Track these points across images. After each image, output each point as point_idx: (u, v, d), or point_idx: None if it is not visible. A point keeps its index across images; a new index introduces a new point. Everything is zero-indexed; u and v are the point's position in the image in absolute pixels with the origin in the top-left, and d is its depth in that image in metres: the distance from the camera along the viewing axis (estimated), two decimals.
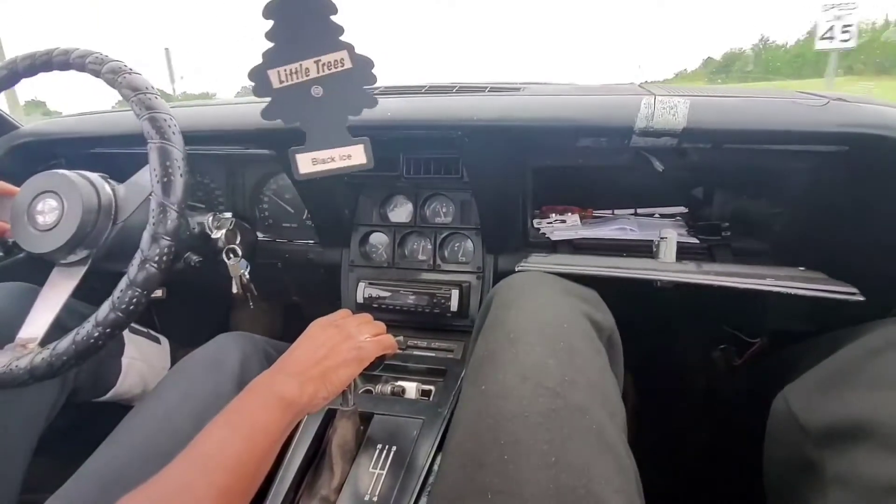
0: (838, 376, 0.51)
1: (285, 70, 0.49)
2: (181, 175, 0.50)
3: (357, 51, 0.49)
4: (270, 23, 0.47)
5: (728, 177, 0.84)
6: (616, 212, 0.99)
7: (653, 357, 1.07)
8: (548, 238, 0.89)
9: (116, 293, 0.48)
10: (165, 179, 0.49)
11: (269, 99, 0.51)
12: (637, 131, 0.63)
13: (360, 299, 0.89)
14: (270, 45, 0.48)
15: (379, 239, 0.95)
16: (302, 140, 0.53)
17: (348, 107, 0.51)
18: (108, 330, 0.47)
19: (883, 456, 0.42)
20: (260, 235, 1.01)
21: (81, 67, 0.57)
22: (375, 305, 0.88)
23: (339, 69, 0.49)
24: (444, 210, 0.92)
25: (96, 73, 0.56)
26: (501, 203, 0.81)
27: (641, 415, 1.00)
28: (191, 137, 0.57)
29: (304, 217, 0.98)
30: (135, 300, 0.47)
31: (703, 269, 0.65)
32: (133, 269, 0.48)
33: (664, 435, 0.99)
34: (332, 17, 0.47)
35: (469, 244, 0.90)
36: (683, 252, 0.82)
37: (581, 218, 0.95)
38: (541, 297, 0.57)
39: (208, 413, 0.48)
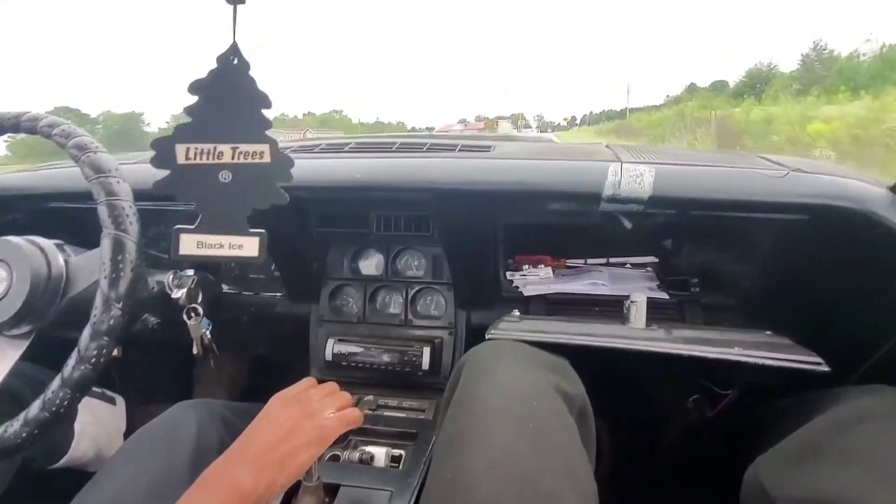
0: (808, 450, 0.51)
1: (196, 148, 0.47)
2: (131, 270, 0.47)
3: (280, 146, 0.48)
4: (195, 98, 0.46)
5: (696, 232, 0.85)
6: (589, 261, 0.99)
7: (628, 407, 1.06)
8: (521, 292, 0.88)
9: (48, 393, 0.44)
10: (114, 275, 0.46)
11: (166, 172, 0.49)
12: (605, 198, 0.64)
13: (329, 356, 0.86)
14: (188, 119, 0.47)
15: (349, 293, 0.92)
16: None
17: (256, 199, 0.49)
18: (36, 431, 0.44)
19: None
20: (225, 287, 0.98)
21: (48, 136, 0.55)
22: (345, 363, 0.85)
23: (256, 161, 0.48)
24: (415, 263, 0.91)
25: (62, 146, 0.54)
26: (472, 259, 0.81)
27: (617, 466, 0.99)
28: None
29: (273, 268, 0.96)
30: (66, 401, 0.44)
31: (672, 335, 0.65)
32: (68, 368, 0.44)
33: (640, 488, 0.98)
34: (264, 111, 0.47)
35: (441, 299, 0.89)
36: (654, 308, 0.82)
37: (554, 269, 0.95)
38: (510, 371, 0.55)
39: (160, 496, 0.45)
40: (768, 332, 0.67)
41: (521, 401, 0.50)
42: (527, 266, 0.95)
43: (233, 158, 0.48)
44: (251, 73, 0.44)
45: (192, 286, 0.83)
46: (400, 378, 0.84)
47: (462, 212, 0.72)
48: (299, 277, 0.91)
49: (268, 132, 0.47)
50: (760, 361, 0.58)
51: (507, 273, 0.93)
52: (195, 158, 0.47)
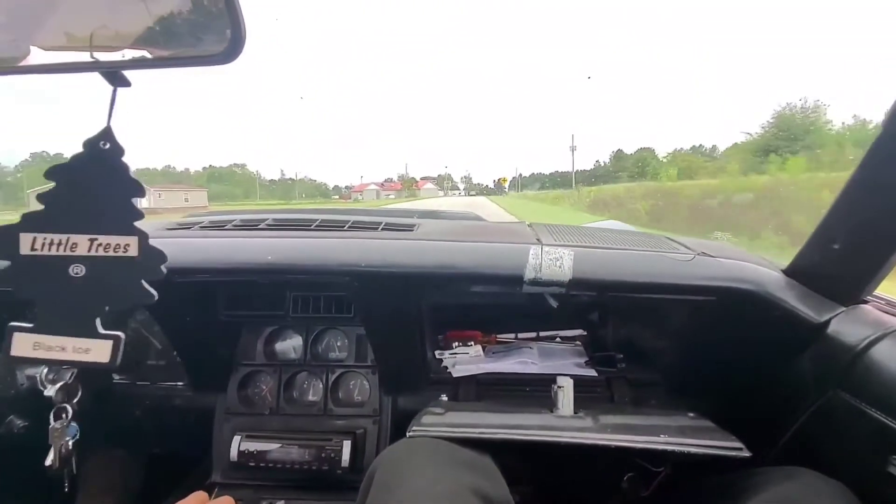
0: None
1: (44, 238, 0.41)
2: None
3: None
4: (51, 184, 0.40)
5: (619, 308, 0.87)
6: (520, 335, 0.98)
7: (564, 487, 1.02)
8: (450, 373, 0.84)
9: None
10: None
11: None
12: (527, 282, 0.63)
13: (234, 456, 0.75)
14: (39, 206, 0.41)
15: (263, 380, 0.83)
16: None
17: (114, 297, 0.43)
18: None
19: None
20: (116, 377, 0.85)
21: None
22: (253, 463, 0.75)
23: (119, 254, 0.42)
24: (338, 344, 0.84)
25: None
26: (397, 341, 0.76)
27: None
28: None
29: (175, 353, 0.85)
30: None
31: (599, 422, 0.63)
32: None
33: None
34: (135, 200, 0.42)
35: (365, 383, 0.82)
36: (584, 387, 0.81)
37: (485, 345, 0.93)
38: (424, 476, 0.51)
39: None
40: (691, 415, 0.67)
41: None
42: (457, 343, 0.91)
43: (89, 251, 0.42)
44: (125, 158, 0.39)
45: (71, 380, 0.71)
46: (317, 478, 0.75)
47: (384, 294, 0.68)
48: (204, 364, 0.81)
49: (138, 223, 0.42)
50: (686, 450, 0.58)
51: (437, 352, 0.90)
52: (42, 249, 0.41)
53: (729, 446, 0.57)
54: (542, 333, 0.99)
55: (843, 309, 0.57)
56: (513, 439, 0.58)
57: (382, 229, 0.74)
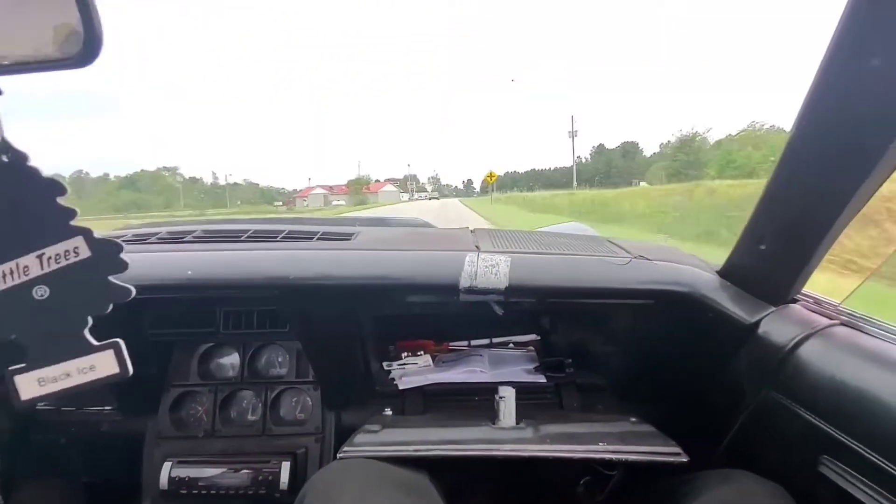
0: None
1: None
2: None
3: (97, 235, 0.40)
4: None
5: (567, 312, 0.86)
6: (473, 342, 0.96)
7: (522, 496, 1.00)
8: (397, 385, 0.81)
9: None
10: None
11: None
12: (462, 290, 0.61)
13: (164, 485, 0.71)
14: None
15: (198, 400, 0.79)
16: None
17: (89, 306, 0.40)
18: None
19: None
20: (40, 403, 0.79)
21: None
22: (185, 491, 0.71)
23: (73, 260, 0.39)
24: (279, 360, 0.81)
25: None
26: (336, 355, 0.73)
27: None
28: None
29: None
30: None
31: (540, 433, 0.62)
32: None
33: None
34: (60, 199, 0.38)
35: (307, 399, 0.79)
36: (532, 393, 0.80)
37: (436, 354, 0.90)
38: (357, 501, 0.48)
39: None
40: (633, 420, 0.67)
41: None
42: (406, 354, 0.89)
43: (43, 268, 0.38)
44: (32, 162, 0.35)
45: None
46: (255, 503, 0.71)
47: (319, 307, 0.66)
48: (132, 386, 0.76)
49: (73, 222, 0.38)
50: (624, 458, 0.57)
51: (385, 363, 0.87)
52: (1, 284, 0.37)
53: (667, 451, 0.57)
54: (495, 340, 0.97)
55: (773, 309, 0.57)
56: (448, 455, 0.56)
57: (318, 239, 0.71)
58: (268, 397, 0.77)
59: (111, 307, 0.41)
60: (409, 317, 0.89)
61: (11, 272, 0.38)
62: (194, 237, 0.71)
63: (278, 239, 0.71)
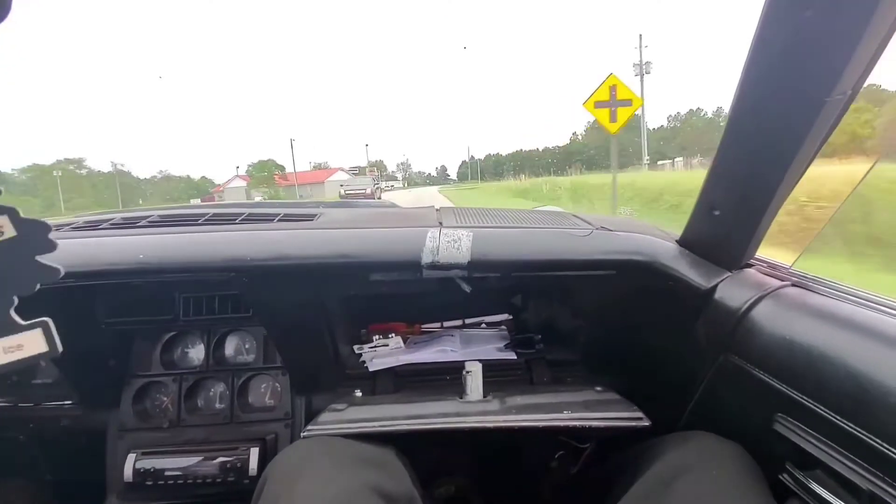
0: None
1: None
2: None
3: (23, 215, 0.38)
4: None
5: (536, 288, 0.87)
6: (445, 324, 0.97)
7: (498, 471, 1.01)
8: (367, 367, 0.81)
9: None
10: None
11: None
12: (425, 266, 0.61)
13: (129, 477, 0.69)
14: None
15: (162, 391, 0.77)
16: None
17: (14, 286, 0.39)
18: None
19: None
20: None
21: None
22: (151, 482, 0.69)
23: None
24: (246, 347, 0.79)
25: None
26: (303, 339, 0.72)
27: None
28: None
29: (59, 370, 0.77)
30: None
31: (506, 405, 0.62)
32: None
33: None
34: None
35: (276, 385, 0.78)
36: (501, 370, 0.80)
37: (407, 336, 0.90)
38: (319, 477, 0.48)
39: None
40: (598, 389, 0.68)
41: None
42: (377, 336, 0.88)
43: None
44: None
45: None
46: (224, 491, 0.70)
47: (281, 290, 0.64)
48: (92, 378, 0.74)
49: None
50: (587, 424, 0.57)
51: (356, 346, 0.86)
52: None
53: (629, 416, 0.58)
54: (467, 320, 0.97)
55: (729, 274, 0.59)
56: (413, 429, 0.56)
57: (279, 220, 0.69)
58: (235, 385, 0.76)
59: (38, 287, 0.40)
60: (380, 299, 0.89)
61: None
62: (149, 222, 0.69)
63: (237, 221, 0.69)
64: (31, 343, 0.40)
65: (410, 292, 0.90)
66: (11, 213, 0.37)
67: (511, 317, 0.97)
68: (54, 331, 0.40)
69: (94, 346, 0.71)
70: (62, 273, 0.39)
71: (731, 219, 0.56)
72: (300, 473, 0.48)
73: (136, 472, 0.69)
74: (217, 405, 0.77)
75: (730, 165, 0.53)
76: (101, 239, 0.62)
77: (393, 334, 0.89)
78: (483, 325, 0.97)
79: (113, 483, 0.72)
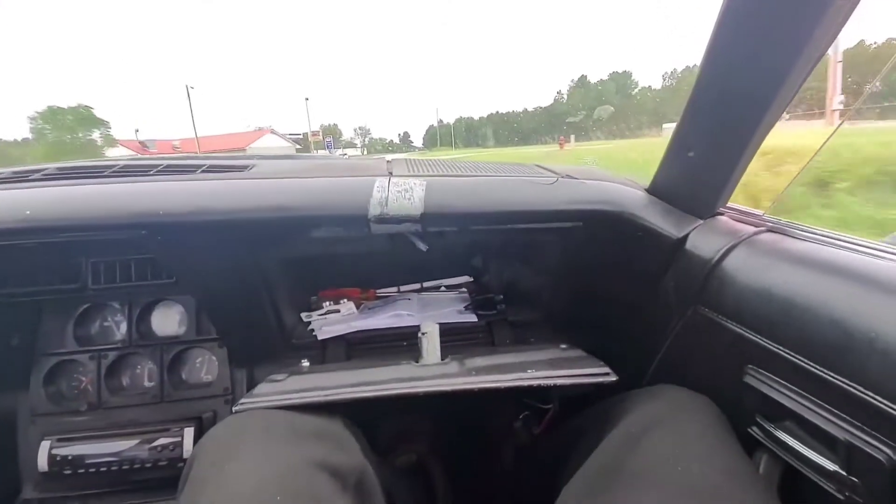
0: (604, 474, 0.47)
1: None
2: None
3: None
4: None
5: (497, 247, 0.82)
6: (402, 289, 0.91)
7: (461, 436, 0.99)
8: (316, 336, 0.74)
9: None
10: None
11: None
12: (372, 219, 0.54)
13: (43, 466, 0.61)
14: None
15: (79, 370, 0.68)
16: None
17: None
18: None
19: None
20: None
21: None
22: (70, 471, 0.61)
23: None
24: (176, 318, 0.71)
25: None
26: (239, 306, 0.64)
27: (456, 500, 0.91)
28: None
29: None
30: None
31: (465, 367, 0.57)
32: None
33: None
34: None
35: (213, 358, 0.70)
36: (461, 333, 0.76)
37: (360, 303, 0.84)
38: (254, 455, 0.42)
39: None
40: (563, 346, 0.64)
41: (266, 495, 0.37)
42: (327, 303, 0.82)
43: None
44: None
45: None
46: (155, 476, 0.63)
47: (204, 252, 0.56)
48: None
49: None
50: (552, 382, 0.53)
51: (304, 315, 0.79)
52: None
53: (596, 373, 0.54)
54: (426, 284, 0.92)
55: (701, 222, 0.55)
56: (363, 398, 0.50)
57: (203, 172, 0.60)
58: (164, 360, 0.68)
59: None
60: (330, 263, 0.81)
61: None
62: (44, 175, 0.58)
63: (151, 173, 0.59)
64: None
65: (362, 254, 0.83)
66: None
67: (472, 279, 0.92)
68: None
69: None
70: None
71: (706, 161, 0.51)
72: (232, 451, 0.42)
73: (52, 459, 0.61)
74: (145, 383, 0.69)
75: (707, 104, 0.49)
76: None
77: (345, 300, 0.82)
78: (442, 289, 0.92)
79: (27, 473, 0.63)
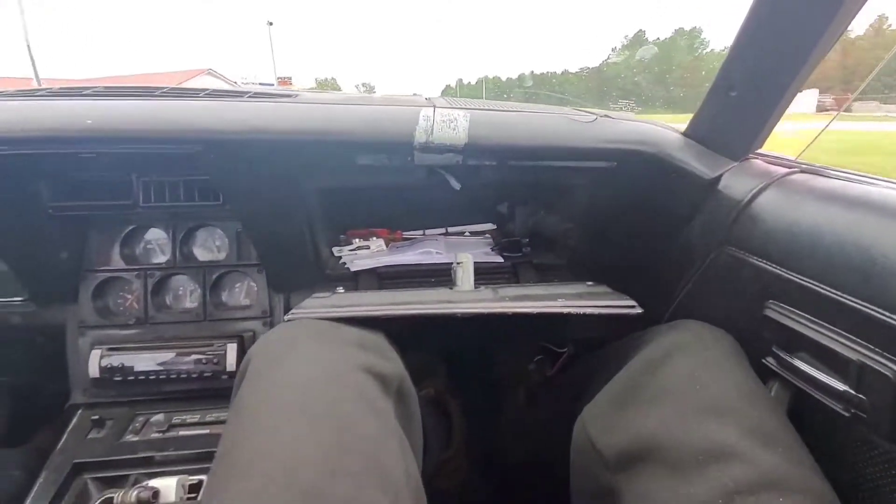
0: (624, 395, 0.50)
1: None
2: None
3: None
4: None
5: (525, 193, 0.84)
6: (427, 232, 0.93)
7: (476, 376, 1.03)
8: (349, 269, 0.77)
9: None
10: None
11: None
12: (417, 146, 0.56)
13: (94, 372, 0.65)
14: None
15: (125, 287, 0.71)
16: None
17: None
18: None
19: (669, 479, 0.40)
20: None
21: None
22: (120, 378, 0.65)
23: None
24: (216, 244, 0.73)
25: None
26: (281, 233, 0.67)
27: (469, 436, 0.96)
28: None
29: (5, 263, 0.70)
30: None
31: (498, 294, 0.60)
32: None
33: (491, 452, 0.96)
34: None
35: (252, 283, 0.73)
36: (488, 273, 0.79)
37: (388, 242, 0.86)
38: (306, 355, 0.45)
39: None
40: (589, 283, 0.67)
41: (317, 390, 0.41)
42: (357, 240, 0.84)
43: None
44: None
45: None
46: (200, 387, 0.67)
47: (252, 171, 0.58)
48: (44, 273, 0.67)
49: None
50: (581, 310, 0.56)
51: (336, 248, 0.82)
52: None
53: (622, 304, 0.57)
54: (450, 229, 0.94)
55: (734, 164, 0.57)
56: (403, 314, 0.53)
57: (250, 97, 0.61)
58: (206, 282, 0.71)
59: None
60: (359, 203, 0.84)
61: None
62: (94, 91, 0.60)
63: (200, 96, 0.61)
64: None
65: (390, 195, 0.85)
66: None
67: (495, 226, 0.95)
68: None
69: (41, 235, 0.64)
70: None
71: (747, 100, 0.53)
72: (286, 351, 0.45)
73: (102, 367, 0.65)
74: (188, 304, 0.72)
75: (757, 39, 0.50)
76: (40, 103, 0.53)
77: (374, 238, 0.85)
78: (467, 234, 0.94)
79: (76, 380, 0.67)
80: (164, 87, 0.63)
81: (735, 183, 0.55)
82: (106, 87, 0.61)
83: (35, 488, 0.56)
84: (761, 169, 0.55)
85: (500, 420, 1.02)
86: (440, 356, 0.97)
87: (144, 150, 0.52)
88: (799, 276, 0.44)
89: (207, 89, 0.63)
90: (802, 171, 0.52)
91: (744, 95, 0.53)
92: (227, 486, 0.34)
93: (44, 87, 0.63)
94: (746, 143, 0.56)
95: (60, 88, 0.61)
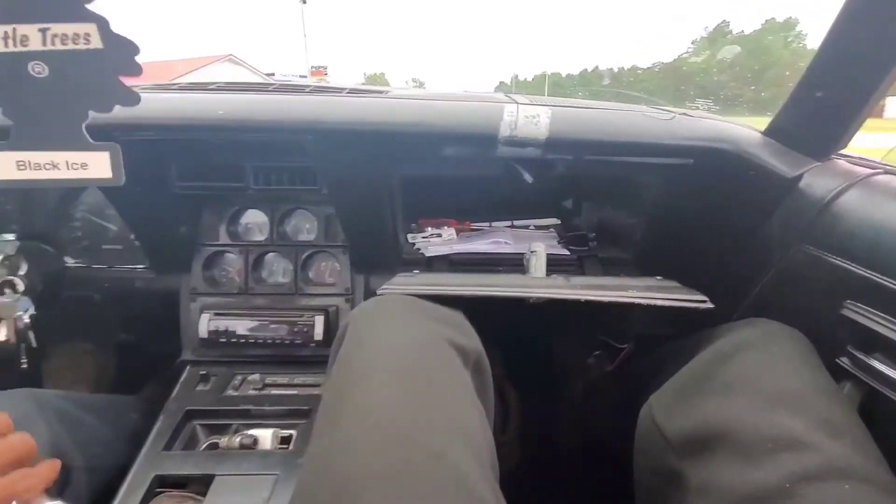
0: (694, 384, 0.52)
1: None
2: None
3: (115, 29, 0.36)
4: None
5: (592, 188, 0.86)
6: (493, 224, 0.97)
7: (533, 366, 1.06)
8: (423, 254, 0.83)
9: None
10: None
11: None
12: (501, 140, 0.60)
13: (203, 333, 0.74)
14: None
15: (229, 261, 0.81)
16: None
17: (91, 100, 0.37)
18: None
19: (737, 464, 0.42)
20: (70, 261, 0.81)
21: None
22: (224, 340, 0.74)
23: (80, 47, 0.36)
24: (306, 226, 0.81)
25: None
26: (368, 218, 0.73)
27: (525, 422, 0.99)
28: None
29: (133, 237, 0.81)
30: None
31: (570, 283, 0.64)
32: None
33: (545, 439, 0.99)
34: None
35: (336, 264, 0.81)
36: (555, 264, 0.82)
37: (458, 231, 0.92)
38: (398, 325, 0.50)
39: None
40: (658, 278, 0.69)
41: (408, 355, 0.45)
42: (430, 228, 0.90)
43: (44, 44, 0.35)
44: None
45: (13, 252, 0.67)
46: (290, 352, 0.75)
47: (350, 159, 0.64)
48: (164, 244, 0.77)
49: (90, 6, 0.35)
50: (652, 302, 0.59)
51: (409, 236, 0.88)
52: None
53: (693, 299, 0.59)
54: (516, 222, 0.98)
55: (817, 163, 0.57)
56: (484, 295, 0.58)
57: (348, 94, 0.68)
58: (298, 260, 0.79)
59: (115, 109, 0.39)
60: (432, 195, 0.89)
61: (7, 36, 0.35)
62: (217, 87, 0.69)
63: (307, 91, 0.68)
64: (96, 165, 0.39)
65: (462, 189, 0.90)
66: (102, 23, 0.36)
67: (559, 222, 0.98)
68: (121, 157, 0.40)
69: (167, 211, 0.74)
70: (140, 99, 0.39)
71: (833, 101, 0.53)
72: (382, 319, 0.51)
73: (210, 330, 0.74)
74: (281, 279, 0.81)
75: (844, 44, 0.50)
76: (178, 95, 0.62)
77: (445, 227, 0.91)
78: (531, 227, 0.98)
79: (187, 339, 0.77)
80: (273, 84, 0.71)
81: (817, 182, 0.55)
82: (226, 83, 0.70)
83: (154, 430, 0.65)
84: (844, 169, 0.55)
85: (556, 409, 1.05)
86: (499, 343, 1.02)
87: (264, 139, 0.60)
88: (880, 276, 0.45)
89: (310, 85, 0.71)
90: (887, 172, 0.52)
91: (830, 96, 0.53)
92: (336, 427, 0.40)
93: (175, 82, 0.73)
94: (830, 143, 0.56)
95: (188, 83, 0.70)
